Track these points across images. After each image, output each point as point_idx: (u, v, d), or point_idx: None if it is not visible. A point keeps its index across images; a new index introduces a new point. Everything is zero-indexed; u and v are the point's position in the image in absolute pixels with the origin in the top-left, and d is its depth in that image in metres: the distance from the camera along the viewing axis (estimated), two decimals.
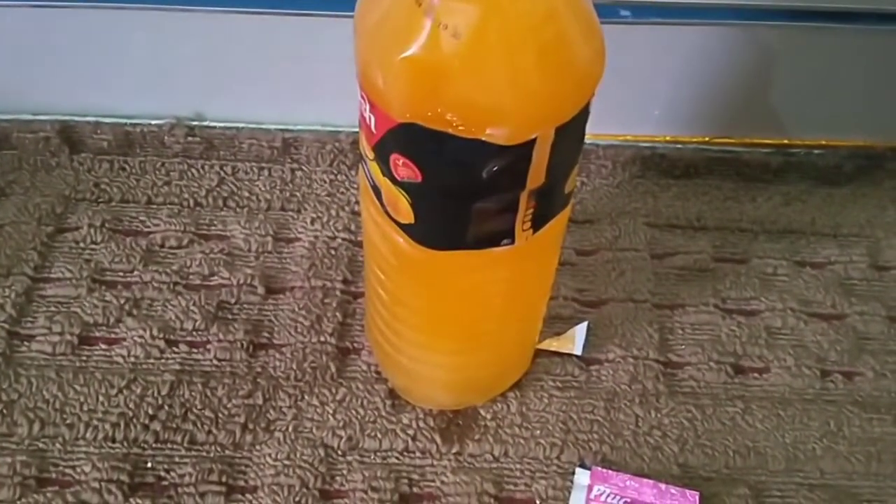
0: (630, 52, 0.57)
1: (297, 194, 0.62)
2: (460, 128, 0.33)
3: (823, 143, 0.63)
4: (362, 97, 0.36)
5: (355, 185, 0.62)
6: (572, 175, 0.39)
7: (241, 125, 0.63)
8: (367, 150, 0.38)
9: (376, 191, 0.39)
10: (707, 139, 0.63)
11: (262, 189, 0.62)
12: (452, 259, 0.40)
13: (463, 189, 0.36)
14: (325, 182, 0.62)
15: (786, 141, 0.63)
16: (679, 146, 0.63)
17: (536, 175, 0.36)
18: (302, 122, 0.63)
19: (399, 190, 0.37)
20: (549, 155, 0.35)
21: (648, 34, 0.56)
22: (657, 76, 0.59)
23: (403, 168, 0.36)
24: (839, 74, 0.59)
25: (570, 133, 0.36)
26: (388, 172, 0.37)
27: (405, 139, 0.35)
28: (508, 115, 0.33)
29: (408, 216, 0.38)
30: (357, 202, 0.61)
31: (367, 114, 0.36)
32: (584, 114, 0.36)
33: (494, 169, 0.35)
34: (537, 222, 0.39)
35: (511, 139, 0.34)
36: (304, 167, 0.63)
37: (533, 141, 0.34)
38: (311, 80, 0.60)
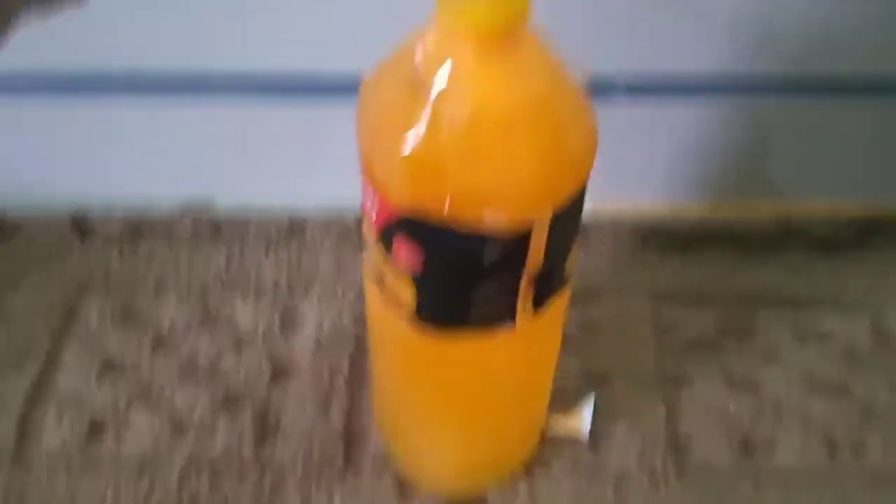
0: (626, 126, 0.58)
1: (304, 275, 0.63)
2: (459, 217, 0.34)
3: (823, 212, 0.64)
4: (364, 185, 0.37)
5: (361, 266, 0.62)
6: (572, 255, 0.40)
7: (249, 208, 0.64)
8: (370, 236, 0.39)
9: (379, 276, 0.40)
10: (707, 210, 0.64)
11: (270, 271, 0.63)
12: (455, 342, 0.40)
13: (463, 275, 0.37)
14: (332, 263, 0.63)
15: (786, 210, 0.64)
16: (679, 218, 0.64)
17: (535, 259, 0.37)
18: (309, 204, 0.64)
19: (401, 275, 0.38)
20: (547, 239, 0.36)
21: (643, 110, 0.57)
22: (654, 149, 0.60)
23: (405, 255, 0.37)
24: (836, 144, 0.60)
25: (567, 217, 0.37)
26: (390, 260, 0.38)
27: (406, 228, 0.36)
28: (505, 204, 0.34)
29: (409, 301, 0.39)
30: (363, 281, 0.61)
31: (369, 203, 0.38)
32: (579, 197, 0.37)
33: (496, 255, 0.36)
34: (538, 303, 0.40)
35: (510, 227, 0.35)
36: (310, 248, 0.64)
37: (531, 228, 0.35)
38: (319, 163, 0.61)
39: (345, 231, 0.64)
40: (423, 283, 0.38)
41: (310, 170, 0.62)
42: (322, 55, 0.55)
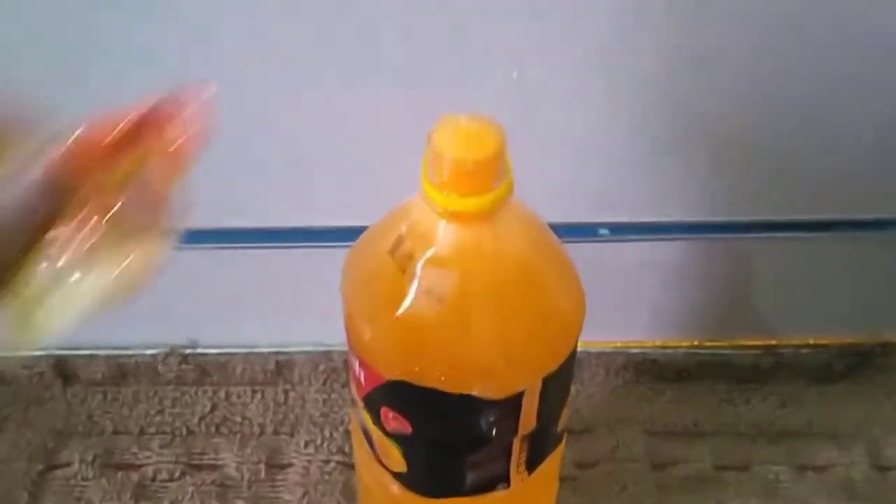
0: (612, 264, 0.58)
1: (291, 416, 0.61)
2: (448, 385, 0.34)
3: (812, 342, 0.63)
4: (351, 353, 0.37)
5: (348, 405, 0.62)
6: (563, 414, 0.39)
7: (234, 350, 0.63)
8: (357, 398, 0.39)
9: (368, 437, 0.39)
10: (696, 343, 0.64)
11: (255, 413, 0.61)
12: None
13: (455, 441, 0.36)
14: (319, 402, 0.62)
15: (774, 342, 0.63)
16: (669, 351, 0.63)
17: (527, 422, 0.36)
18: (294, 344, 0.63)
19: (391, 440, 0.37)
20: (539, 402, 0.36)
21: (628, 248, 0.58)
22: (641, 285, 0.60)
23: (394, 421, 0.36)
24: (821, 277, 0.60)
25: (558, 380, 0.36)
26: (378, 423, 0.37)
27: (394, 395, 0.35)
28: (496, 372, 0.34)
29: (400, 465, 0.38)
30: (350, 421, 0.60)
31: (356, 368, 0.37)
32: (569, 361, 0.37)
33: (486, 422, 0.35)
34: (532, 463, 0.39)
35: (500, 393, 0.34)
36: (296, 388, 0.63)
37: (522, 392, 0.35)
38: (303, 303, 0.61)
39: (331, 370, 0.63)
40: (412, 448, 0.37)
41: (295, 310, 0.61)
42: (307, 210, 0.55)
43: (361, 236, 0.37)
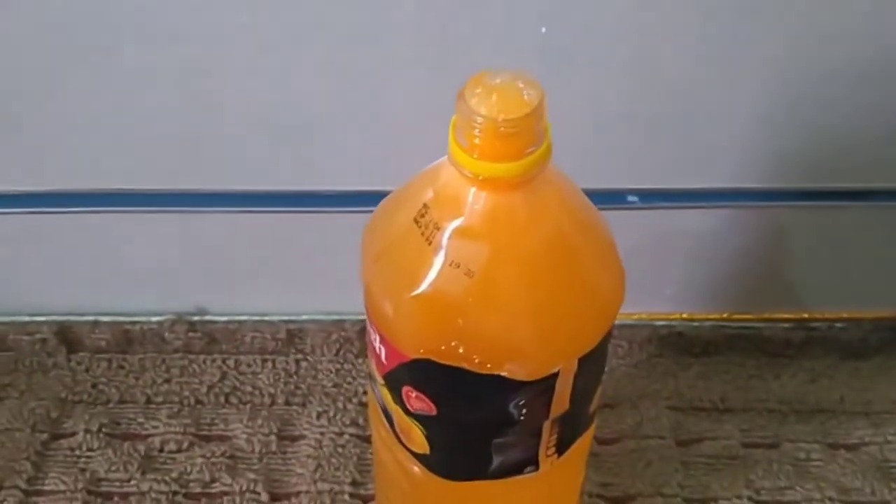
0: (640, 233, 0.56)
1: (302, 387, 0.59)
2: (477, 365, 0.31)
3: (845, 316, 0.61)
4: (371, 328, 0.35)
5: (363, 375, 0.59)
6: (597, 395, 0.37)
7: (243, 318, 0.61)
8: (377, 375, 0.36)
9: (387, 415, 0.37)
10: (724, 316, 0.61)
11: (266, 383, 0.59)
12: (472, 488, 0.37)
13: (482, 423, 0.34)
14: (332, 372, 0.60)
15: (806, 315, 0.61)
16: (696, 324, 0.61)
17: (560, 404, 0.34)
18: (306, 312, 0.61)
19: (413, 420, 0.35)
20: (573, 384, 0.33)
21: (657, 217, 0.55)
22: (669, 256, 0.58)
23: (417, 401, 0.34)
24: (855, 249, 0.57)
25: (594, 360, 0.34)
26: (399, 402, 0.35)
27: (418, 374, 0.33)
28: (528, 351, 0.31)
29: (423, 446, 0.36)
30: (365, 392, 0.58)
31: (376, 343, 0.35)
32: (606, 340, 0.34)
33: (516, 404, 0.33)
34: (562, 447, 0.36)
35: (532, 375, 0.32)
36: (308, 358, 0.61)
37: (555, 374, 0.32)
38: (314, 271, 0.59)
39: (344, 339, 0.61)
40: (436, 429, 0.35)
41: (308, 278, 0.59)
42: (321, 173, 0.53)
43: (383, 202, 0.34)
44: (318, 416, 0.57)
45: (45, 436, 0.56)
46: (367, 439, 0.55)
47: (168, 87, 0.48)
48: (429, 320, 0.31)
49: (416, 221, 0.32)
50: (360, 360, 0.60)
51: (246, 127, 0.50)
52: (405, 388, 0.34)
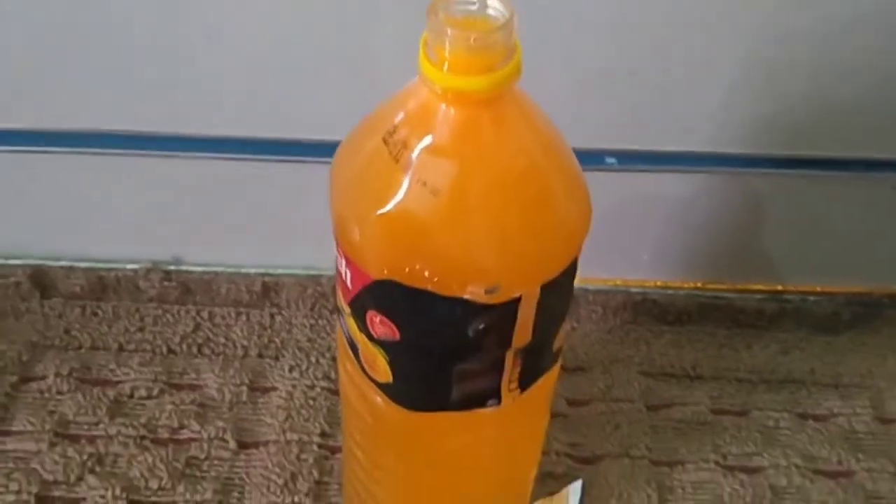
0: (617, 197, 0.56)
1: (276, 340, 0.59)
2: (439, 286, 0.31)
3: (819, 289, 0.61)
4: (338, 252, 0.35)
5: (336, 330, 0.59)
6: (561, 332, 0.37)
7: (219, 269, 0.61)
8: (343, 304, 0.36)
9: (353, 346, 0.37)
10: (699, 285, 0.61)
11: (240, 335, 0.59)
12: (434, 420, 0.37)
13: (444, 348, 0.34)
14: (306, 327, 0.60)
15: (780, 287, 0.61)
16: (670, 292, 0.61)
17: (522, 334, 0.34)
18: (282, 266, 0.61)
19: (376, 347, 0.35)
20: (536, 313, 0.33)
21: (635, 180, 0.55)
22: (646, 221, 0.58)
23: (380, 326, 0.34)
24: (832, 221, 0.58)
25: (557, 290, 0.34)
26: (364, 329, 0.35)
27: (382, 296, 0.33)
28: (491, 273, 0.31)
29: (386, 375, 0.36)
30: (337, 347, 0.58)
31: (342, 269, 0.35)
32: (571, 270, 0.34)
33: (478, 328, 0.33)
34: (525, 381, 0.36)
35: (494, 298, 0.32)
36: (283, 312, 0.61)
37: (518, 299, 0.32)
38: (292, 224, 0.58)
39: (320, 295, 0.61)
40: (399, 355, 0.35)
41: (285, 231, 0.59)
42: (298, 121, 0.53)
43: (354, 127, 0.34)
44: (291, 369, 0.57)
45: (14, 378, 0.56)
46: (338, 393, 0.55)
47: (148, 27, 0.48)
48: (394, 240, 0.31)
49: (385, 141, 0.31)
50: (334, 316, 0.60)
51: (225, 70, 0.50)
52: (370, 313, 0.34)
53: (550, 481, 0.51)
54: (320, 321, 0.60)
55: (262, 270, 0.61)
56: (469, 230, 0.31)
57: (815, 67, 0.49)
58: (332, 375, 0.57)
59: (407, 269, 0.31)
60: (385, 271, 0.32)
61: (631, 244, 0.60)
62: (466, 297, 0.32)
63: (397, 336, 0.34)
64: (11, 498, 0.49)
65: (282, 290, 0.61)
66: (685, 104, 0.51)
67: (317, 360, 0.58)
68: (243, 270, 0.61)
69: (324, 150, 0.53)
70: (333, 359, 0.58)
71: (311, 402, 0.55)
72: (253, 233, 0.60)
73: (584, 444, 0.54)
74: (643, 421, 0.55)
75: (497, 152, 0.31)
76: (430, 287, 0.31)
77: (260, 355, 0.58)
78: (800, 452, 0.54)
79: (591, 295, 0.61)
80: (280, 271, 0.61)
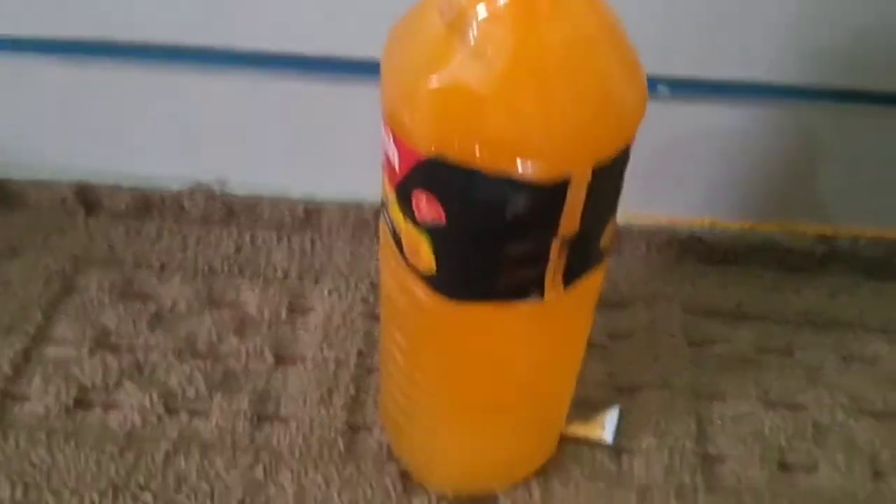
0: (667, 129, 0.55)
1: (316, 264, 0.59)
2: (489, 161, 0.31)
3: (870, 234, 0.60)
4: (386, 135, 0.34)
5: (376, 257, 0.59)
6: (608, 228, 0.36)
7: (263, 192, 0.61)
8: (389, 192, 0.36)
9: (397, 239, 0.37)
10: (747, 226, 0.60)
11: (281, 258, 0.59)
12: (475, 314, 0.36)
13: (489, 232, 0.33)
14: (346, 253, 0.60)
15: (831, 230, 0.60)
16: (718, 231, 0.60)
17: (570, 221, 0.33)
18: (325, 192, 0.61)
19: (421, 233, 0.35)
20: (585, 199, 0.33)
21: (686, 111, 0.54)
22: (695, 156, 0.57)
23: (427, 208, 0.34)
24: (889, 162, 0.56)
25: (608, 177, 0.33)
26: (410, 214, 0.35)
27: (430, 175, 0.33)
28: (541, 149, 0.31)
29: (429, 264, 0.35)
30: (377, 273, 0.58)
31: (391, 153, 0.34)
32: (622, 158, 0.33)
33: (525, 210, 0.32)
34: (569, 276, 0.36)
35: (543, 176, 0.31)
36: (324, 237, 0.61)
37: (567, 181, 0.32)
38: (337, 150, 0.58)
39: (361, 222, 0.61)
40: (444, 241, 0.34)
41: (330, 157, 0.59)
42: (347, 39, 0.52)
43: (411, 6, 0.34)
44: (330, 292, 0.57)
45: (57, 289, 0.56)
46: (376, 317, 0.55)
47: None
48: (444, 112, 0.31)
49: (439, 16, 0.31)
50: (374, 244, 0.60)
51: None
52: (416, 194, 0.34)
53: (587, 408, 0.50)
54: (360, 248, 0.60)
55: (305, 195, 0.61)
56: (521, 104, 0.30)
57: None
58: (371, 300, 0.57)
59: (456, 144, 0.31)
60: (434, 147, 0.32)
61: (680, 180, 0.58)
62: (515, 175, 0.31)
63: (443, 219, 0.33)
64: (50, 400, 0.50)
65: (323, 215, 0.61)
66: (744, 30, 0.50)
67: (356, 285, 0.58)
68: (287, 195, 0.61)
69: (372, 68, 0.53)
70: (372, 284, 0.57)
71: (349, 323, 0.55)
72: (298, 157, 0.60)
73: (623, 374, 0.53)
74: (684, 355, 0.54)
75: (554, 24, 0.30)
76: (478, 164, 0.31)
77: (300, 278, 0.58)
78: (844, 391, 0.53)
79: (634, 231, 0.60)
80: (323, 197, 0.61)
